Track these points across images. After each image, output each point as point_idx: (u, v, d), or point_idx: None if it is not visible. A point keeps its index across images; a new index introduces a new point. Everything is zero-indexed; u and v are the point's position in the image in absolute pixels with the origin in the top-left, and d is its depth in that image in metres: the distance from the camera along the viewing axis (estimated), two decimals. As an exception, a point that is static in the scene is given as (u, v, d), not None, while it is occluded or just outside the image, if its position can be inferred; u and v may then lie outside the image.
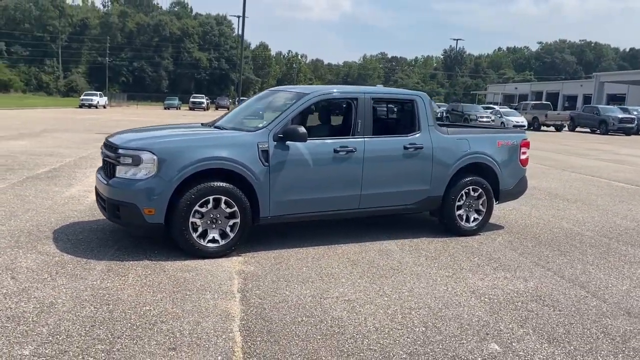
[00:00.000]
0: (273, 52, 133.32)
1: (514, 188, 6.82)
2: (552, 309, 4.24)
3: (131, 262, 4.84)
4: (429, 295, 4.41)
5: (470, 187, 6.38)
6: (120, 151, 4.99)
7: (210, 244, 5.07)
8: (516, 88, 76.12)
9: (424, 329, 3.74)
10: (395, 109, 6.64)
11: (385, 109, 6.60)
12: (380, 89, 6.32)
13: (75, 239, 5.46)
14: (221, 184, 5.01)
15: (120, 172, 4.97)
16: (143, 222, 4.87)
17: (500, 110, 38.97)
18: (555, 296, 4.53)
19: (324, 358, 3.25)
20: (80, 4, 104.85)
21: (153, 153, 4.86)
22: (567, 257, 5.76)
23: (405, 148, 5.94)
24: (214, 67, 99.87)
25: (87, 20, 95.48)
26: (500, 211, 7.91)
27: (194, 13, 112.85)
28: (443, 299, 4.32)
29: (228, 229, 5.13)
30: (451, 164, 6.21)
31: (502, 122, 36.24)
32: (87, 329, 3.44)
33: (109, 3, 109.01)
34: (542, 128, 37.40)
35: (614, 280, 5.03)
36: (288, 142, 5.33)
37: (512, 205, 8.27)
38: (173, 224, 4.90)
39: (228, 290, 4.26)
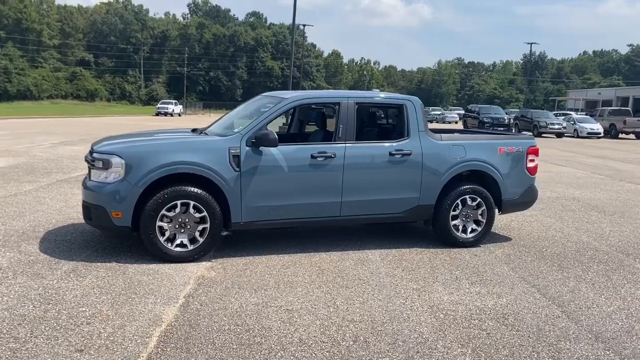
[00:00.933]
0: (345, 60, 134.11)
1: (520, 198, 6.38)
2: (510, 329, 3.91)
3: (99, 263, 4.96)
4: (381, 308, 4.20)
5: (467, 196, 6.04)
6: (94, 155, 5.14)
7: (178, 249, 5.10)
8: (599, 93, 71.64)
9: (351, 343, 3.56)
10: (384, 115, 6.42)
11: (371, 114, 6.40)
12: (365, 94, 6.14)
13: (62, 240, 5.68)
14: (189, 188, 5.04)
15: (94, 175, 5.11)
16: (111, 224, 4.98)
17: (574, 116, 36.91)
18: (522, 315, 4.18)
19: (225, 368, 3.16)
20: (163, 17, 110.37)
21: (121, 157, 4.97)
22: (563, 273, 5.32)
23: (391, 154, 5.72)
24: (286, 75, 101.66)
25: (167, 32, 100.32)
26: (518, 222, 7.46)
27: (268, 23, 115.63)
28: (393, 313, 4.10)
29: (197, 234, 5.15)
30: (443, 171, 5.91)
31: (575, 130, 34.36)
32: (11, 326, 3.54)
33: (189, 15, 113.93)
34: (621, 135, 35.04)
35: (602, 301, 4.58)
36: (262, 148, 5.28)
37: (534, 216, 7.79)
38: (141, 228, 4.97)
39: (174, 296, 4.26)
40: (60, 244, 5.54)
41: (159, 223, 5.00)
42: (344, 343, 3.56)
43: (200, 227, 5.14)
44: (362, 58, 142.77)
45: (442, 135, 6.14)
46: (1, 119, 32.89)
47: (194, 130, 6.03)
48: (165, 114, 53.80)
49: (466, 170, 6.07)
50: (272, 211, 5.40)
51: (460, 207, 6.05)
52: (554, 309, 4.33)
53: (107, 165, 5.01)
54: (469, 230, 6.14)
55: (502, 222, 7.36)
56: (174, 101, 59.53)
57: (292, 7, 37.46)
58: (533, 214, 8.06)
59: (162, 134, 6.07)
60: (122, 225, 4.96)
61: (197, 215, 5.11)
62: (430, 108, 64.44)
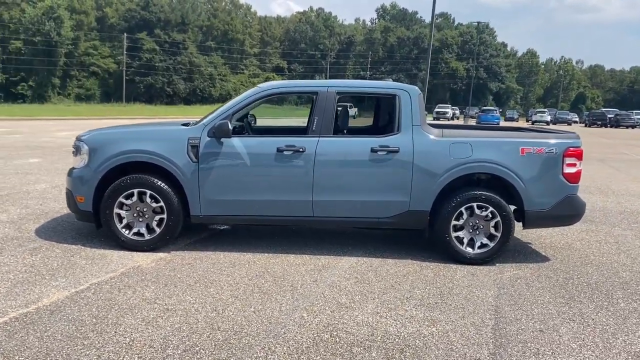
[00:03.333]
0: (542, 59, 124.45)
1: (552, 210, 5.13)
2: (388, 357, 3.13)
3: (65, 245, 5.21)
4: (269, 319, 3.68)
5: (475, 204, 5.05)
6: (75, 142, 5.41)
7: (135, 237, 5.11)
8: None
9: (180, 351, 3.17)
10: (372, 106, 5.66)
11: (355, 105, 5.68)
12: (353, 82, 5.39)
13: (54, 225, 6.10)
14: (146, 177, 5.02)
15: (73, 161, 5.37)
16: (77, 208, 5.19)
17: None
18: (429, 345, 3.32)
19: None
20: (353, 23, 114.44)
21: (86, 144, 5.15)
22: (570, 305, 4.15)
23: (373, 151, 5.02)
24: (471, 76, 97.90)
25: (353, 37, 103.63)
26: (583, 240, 6.05)
27: (455, 24, 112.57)
28: (274, 327, 3.56)
29: (154, 224, 5.11)
30: (440, 172, 5.02)
31: None
32: None
33: (377, 20, 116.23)
34: None
35: (572, 340, 3.43)
36: (223, 139, 5.04)
37: (617, 236, 6.26)
38: (100, 213, 5.10)
39: (82, 281, 4.26)
40: (50, 227, 5.95)
41: (116, 210, 5.07)
42: (170, 351, 3.17)
43: (157, 218, 5.09)
44: (562, 57, 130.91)
45: (445, 131, 5.22)
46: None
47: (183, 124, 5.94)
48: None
49: (472, 172, 5.08)
50: (235, 206, 5.12)
51: (465, 216, 5.08)
52: (482, 346, 3.36)
53: (77, 152, 5.24)
54: (478, 244, 5.12)
55: (566, 237, 6.02)
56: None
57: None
58: (620, 233, 6.48)
59: (147, 125, 6.09)
60: (84, 210, 5.13)
61: (155, 205, 5.07)
62: (634, 112, 55.82)
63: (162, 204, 5.04)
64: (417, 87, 5.29)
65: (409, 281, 4.59)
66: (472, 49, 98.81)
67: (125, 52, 70.59)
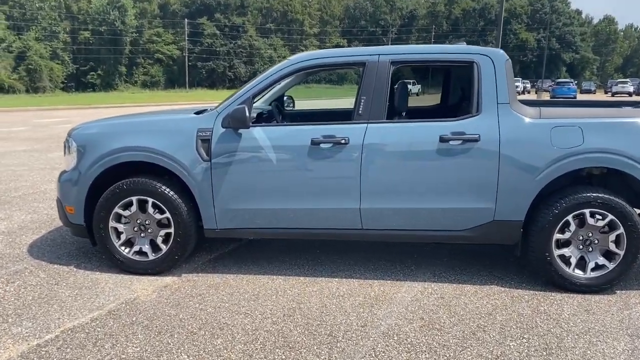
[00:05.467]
0: (621, 26, 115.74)
1: (703, 219, 3.61)
2: None
3: (56, 266, 4.21)
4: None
5: (587, 211, 3.62)
6: (66, 138, 4.38)
7: (136, 257, 4.04)
8: None
9: None
10: (440, 78, 4.25)
11: (417, 78, 4.27)
12: (410, 48, 3.92)
13: (54, 237, 5.12)
14: (145, 181, 3.91)
15: (65, 163, 4.34)
16: (67, 221, 4.16)
17: None
18: None
19: None
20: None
21: (75, 141, 4.09)
22: None
23: (444, 140, 3.67)
24: (542, 47, 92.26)
25: (415, 11, 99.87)
26: None
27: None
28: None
29: (160, 240, 4.00)
30: (538, 167, 3.60)
31: None
32: None
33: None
34: None
35: None
36: (241, 130, 3.84)
37: None
38: (93, 227, 4.05)
39: (47, 327, 3.21)
40: (49, 239, 4.98)
41: (112, 223, 4.00)
42: None
43: (163, 232, 3.98)
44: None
45: (543, 109, 3.76)
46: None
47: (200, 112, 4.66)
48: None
49: (586, 167, 3.63)
50: (258, 217, 3.92)
51: (573, 227, 3.66)
52: None
53: (67, 151, 4.20)
54: (591, 265, 3.69)
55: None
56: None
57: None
58: None
59: (146, 115, 4.85)
60: (76, 224, 4.09)
61: (159, 216, 3.96)
62: None
63: (168, 215, 3.92)
64: (502, 52, 3.85)
65: (498, 324, 3.24)
66: (544, 18, 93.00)
67: (186, 38, 71.18)
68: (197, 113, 4.18)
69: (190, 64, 71.20)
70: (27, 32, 59.19)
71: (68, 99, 36.44)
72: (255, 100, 4.00)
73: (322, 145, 3.75)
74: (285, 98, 5.45)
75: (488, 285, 3.86)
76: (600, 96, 48.90)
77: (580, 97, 43.37)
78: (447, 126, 3.72)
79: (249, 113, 3.77)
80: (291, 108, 5.52)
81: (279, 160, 3.80)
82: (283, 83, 4.44)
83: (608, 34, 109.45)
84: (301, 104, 6.01)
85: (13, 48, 56.02)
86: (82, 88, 61.15)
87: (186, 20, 72.55)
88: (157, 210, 3.95)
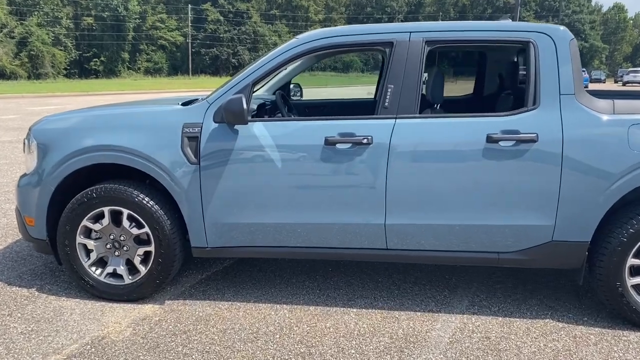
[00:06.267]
0: (631, 14, 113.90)
1: None
2: None
3: (9, 287, 3.48)
4: None
5: (675, 231, 2.85)
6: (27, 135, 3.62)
7: (110, 280, 3.31)
8: None
9: None
10: (484, 63, 3.47)
11: (460, 63, 3.54)
12: (447, 25, 3.10)
13: (20, 249, 4.39)
14: (119, 188, 3.16)
15: (26, 164, 3.59)
16: (28, 235, 3.42)
17: None
18: None
19: None
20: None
21: (36, 138, 3.34)
22: None
23: (492, 140, 2.90)
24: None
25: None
26: None
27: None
28: None
29: (138, 260, 3.26)
30: (614, 175, 2.85)
31: None
32: None
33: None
34: None
35: None
36: (238, 126, 3.08)
37: None
38: (57, 243, 3.31)
39: (-8, 379, 2.49)
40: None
41: (80, 239, 3.27)
42: None
43: (141, 250, 3.24)
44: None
45: (617, 102, 2.98)
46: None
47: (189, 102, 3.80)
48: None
49: (672, 176, 2.86)
50: (259, 233, 3.18)
51: (655, 251, 2.90)
52: None
53: (27, 149, 3.45)
54: (678, 301, 2.94)
55: None
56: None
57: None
58: None
59: (122, 106, 4.01)
60: (38, 238, 3.35)
61: (137, 231, 3.22)
62: None
63: (147, 229, 3.18)
64: (566, 29, 3.06)
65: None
66: (553, 5, 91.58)
67: (190, 24, 70.17)
68: (185, 104, 3.42)
69: (193, 50, 70.26)
70: (29, 18, 58.37)
71: (67, 85, 35.70)
72: (255, 88, 3.23)
73: (338, 146, 2.99)
74: (291, 86, 4.69)
75: (541, 320, 3.11)
76: (611, 86, 47.70)
77: (591, 86, 42.19)
78: (496, 123, 2.95)
79: (248, 105, 3.02)
80: (298, 98, 4.76)
81: (285, 164, 3.04)
82: (290, 68, 3.68)
83: (617, 22, 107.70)
84: (307, 94, 5.23)
85: (15, 34, 55.26)
86: (85, 75, 60.37)
87: (190, 6, 71.50)
88: (134, 224, 3.21)
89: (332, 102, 4.78)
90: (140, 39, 70.26)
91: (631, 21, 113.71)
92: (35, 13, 59.85)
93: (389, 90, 3.03)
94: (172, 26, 74.33)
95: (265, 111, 3.77)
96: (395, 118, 3.01)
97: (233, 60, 73.20)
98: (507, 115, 2.98)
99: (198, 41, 71.89)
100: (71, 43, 63.44)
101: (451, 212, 3.01)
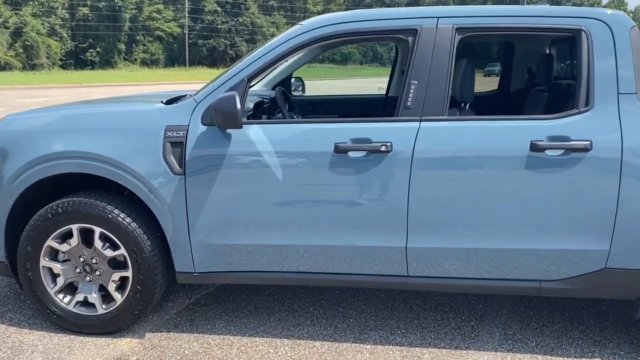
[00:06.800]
0: (631, 7, 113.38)
1: None
2: None
3: (-33, 317, 2.98)
4: None
5: None
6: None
7: (80, 309, 2.81)
8: None
9: None
10: (523, 54, 2.97)
11: (479, 54, 3.06)
12: (482, 10, 2.59)
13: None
14: (89, 202, 2.66)
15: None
16: (-18, 256, 2.91)
17: None
18: None
19: None
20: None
21: (-6, 142, 2.83)
22: None
23: (537, 148, 2.40)
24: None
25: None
26: None
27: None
28: None
29: (113, 287, 2.76)
30: (685, 190, 2.35)
31: None
32: None
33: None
34: None
35: None
36: (230, 130, 2.57)
37: None
38: (18, 266, 2.81)
39: None
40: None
41: (44, 261, 2.77)
42: None
43: (117, 275, 2.74)
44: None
45: (692, 101, 2.48)
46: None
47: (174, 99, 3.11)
48: None
49: None
50: (257, 256, 2.68)
51: None
52: None
53: (-16, 154, 2.92)
54: None
55: None
56: None
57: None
58: None
59: (95, 104, 3.42)
60: (-5, 260, 2.85)
61: (111, 252, 2.71)
62: None
63: (123, 251, 2.68)
64: (625, 15, 2.55)
65: None
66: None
67: (187, 15, 69.36)
68: (169, 102, 2.92)
69: (190, 41, 69.46)
70: (24, 7, 57.54)
71: (61, 77, 35.03)
72: (252, 84, 2.72)
73: (350, 154, 2.49)
74: (292, 80, 4.18)
75: (589, 359, 2.63)
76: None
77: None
78: (541, 127, 2.45)
79: (242, 104, 2.51)
80: (300, 94, 4.25)
81: (286, 176, 2.54)
82: (292, 59, 3.17)
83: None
84: (307, 88, 4.68)
85: (9, 24, 54.46)
86: (81, 66, 59.60)
87: (187, -4, 70.65)
88: (107, 245, 2.71)
89: (339, 99, 4.27)
90: (137, 30, 69.41)
91: (631, 14, 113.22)
92: (30, 3, 59.04)
93: (412, 86, 2.53)
94: (169, 17, 73.46)
95: (263, 110, 3.27)
96: (420, 120, 2.51)
97: (230, 51, 72.36)
98: (554, 119, 2.48)
99: (195, 32, 71.07)
100: (67, 33, 62.63)
101: (484, 234, 2.52)
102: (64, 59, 59.81)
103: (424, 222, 2.53)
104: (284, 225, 2.60)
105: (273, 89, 3.78)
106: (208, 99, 2.62)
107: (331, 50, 4.16)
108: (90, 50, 64.07)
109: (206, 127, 2.59)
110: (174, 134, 2.59)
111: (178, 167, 2.58)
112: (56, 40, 59.09)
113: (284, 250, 2.64)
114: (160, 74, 44.03)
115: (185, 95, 3.04)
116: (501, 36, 3.55)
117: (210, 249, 2.66)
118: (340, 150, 2.49)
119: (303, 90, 4.29)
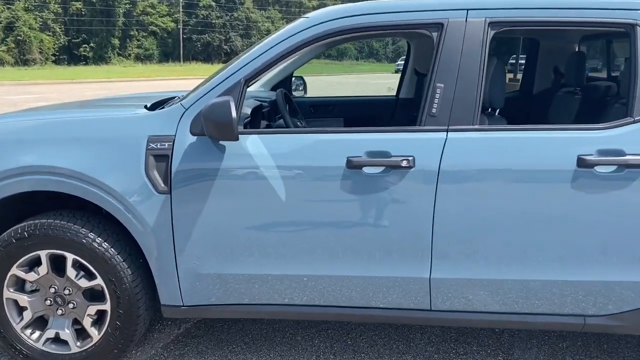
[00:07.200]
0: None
1: None
2: None
3: None
4: None
5: None
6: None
7: (51, 347, 2.44)
8: None
9: None
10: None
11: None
12: (521, 1, 2.24)
13: None
14: (59, 224, 2.28)
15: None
16: (-59, 285, 2.52)
17: None
18: None
19: None
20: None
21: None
22: None
23: (584, 164, 2.03)
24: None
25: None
26: None
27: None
28: None
29: (88, 322, 2.38)
30: None
31: None
32: None
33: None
34: None
35: None
36: (224, 142, 2.19)
37: None
38: (-21, 298, 2.43)
39: None
40: None
41: (8, 292, 2.39)
42: None
43: (93, 309, 2.36)
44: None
45: None
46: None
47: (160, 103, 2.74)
48: None
49: None
50: (256, 287, 2.30)
51: None
52: None
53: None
54: None
55: None
56: None
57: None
58: None
59: (71, 109, 3.00)
60: (-47, 289, 2.46)
61: (86, 282, 2.33)
62: None
63: (100, 281, 2.30)
64: (686, 5, 2.19)
65: None
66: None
67: (181, 10, 68.73)
68: (153, 107, 2.53)
69: (185, 36, 68.79)
70: (16, 2, 56.74)
71: (53, 72, 34.47)
72: (249, 84, 2.34)
73: (365, 170, 2.12)
74: (293, 79, 3.80)
75: (639, 405, 2.27)
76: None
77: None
78: (589, 139, 2.09)
79: (238, 111, 2.13)
80: (302, 94, 3.87)
81: (291, 195, 2.17)
82: (293, 57, 2.78)
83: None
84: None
85: (1, 18, 53.74)
86: (74, 61, 58.92)
87: (181, -10, 69.98)
88: (82, 273, 2.34)
89: (344, 100, 3.89)
90: (131, 25, 68.67)
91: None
92: (23, -3, 58.29)
93: (438, 90, 2.15)
94: (163, 12, 72.72)
95: (262, 115, 2.89)
96: (447, 131, 2.14)
97: (225, 46, 71.74)
98: (604, 129, 2.11)
99: (189, 27, 70.41)
100: (60, 28, 61.83)
101: (522, 263, 2.16)
102: (57, 54, 59.09)
103: (451, 250, 2.16)
104: (288, 252, 2.23)
105: (273, 89, 3.40)
106: (198, 104, 2.24)
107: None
108: (84, 46, 63.31)
109: (196, 137, 2.22)
110: (158, 146, 2.21)
111: (163, 185, 2.20)
112: (49, 35, 58.36)
113: (287, 280, 2.27)
114: (154, 70, 43.44)
115: (174, 98, 2.66)
116: (540, 32, 3.16)
117: (200, 278, 2.29)
118: (353, 165, 2.12)
119: (305, 90, 3.92)
